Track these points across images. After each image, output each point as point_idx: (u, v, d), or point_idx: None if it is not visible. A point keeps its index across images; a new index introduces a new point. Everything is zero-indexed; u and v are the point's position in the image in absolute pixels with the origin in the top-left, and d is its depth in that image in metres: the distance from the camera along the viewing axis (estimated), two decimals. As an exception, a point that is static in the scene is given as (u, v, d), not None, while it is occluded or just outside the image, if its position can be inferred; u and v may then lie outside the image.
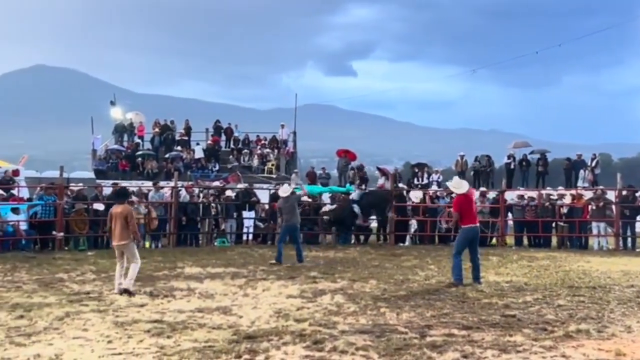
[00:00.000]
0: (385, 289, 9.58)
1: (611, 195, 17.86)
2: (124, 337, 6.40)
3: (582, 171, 22.85)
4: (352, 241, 18.57)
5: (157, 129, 27.86)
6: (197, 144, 27.61)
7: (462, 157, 25.33)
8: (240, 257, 14.10)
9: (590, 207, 17.80)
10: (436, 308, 8.03)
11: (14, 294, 8.92)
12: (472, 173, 24.74)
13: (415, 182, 23.29)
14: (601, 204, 17.65)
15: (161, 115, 30.47)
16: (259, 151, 27.52)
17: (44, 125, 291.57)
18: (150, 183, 20.18)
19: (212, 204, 18.35)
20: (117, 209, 9.38)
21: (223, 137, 28.75)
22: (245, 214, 18.71)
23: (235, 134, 28.85)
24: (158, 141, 27.57)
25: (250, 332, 6.65)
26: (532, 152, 25.53)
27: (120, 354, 5.82)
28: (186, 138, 28.07)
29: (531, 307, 8.09)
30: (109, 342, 6.24)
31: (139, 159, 26.15)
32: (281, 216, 14.19)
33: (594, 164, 22.93)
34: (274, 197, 17.83)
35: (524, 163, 24.05)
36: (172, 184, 18.49)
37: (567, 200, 18.29)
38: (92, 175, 24.68)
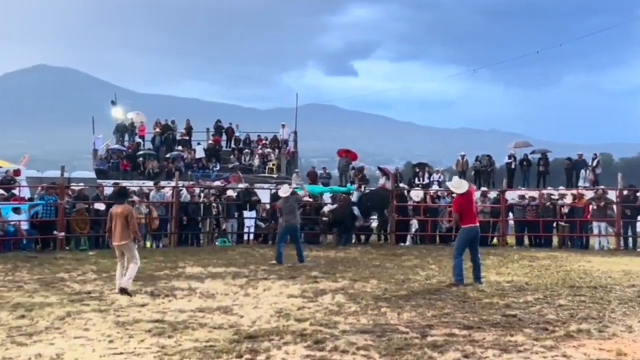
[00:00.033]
0: (386, 289, 9.57)
1: (612, 195, 17.83)
2: (125, 337, 6.41)
3: (583, 171, 22.80)
4: (354, 241, 18.56)
5: (158, 129, 27.87)
6: (199, 144, 27.60)
7: (463, 157, 25.35)
8: (241, 257, 14.10)
9: (591, 207, 17.79)
10: (437, 308, 8.03)
11: (16, 294, 8.92)
12: (473, 173, 24.76)
13: (417, 182, 23.29)
14: (602, 204, 17.63)
15: (162, 115, 30.44)
16: (260, 151, 27.50)
17: (46, 126, 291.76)
18: (151, 183, 20.17)
19: (214, 204, 18.34)
20: (117, 209, 9.38)
21: (224, 137, 28.72)
22: (246, 214, 18.70)
23: (237, 134, 28.84)
24: (159, 141, 27.58)
25: (251, 332, 6.66)
26: (533, 152, 25.51)
27: (121, 354, 5.83)
28: (187, 138, 28.06)
29: (532, 307, 8.08)
30: (111, 342, 6.25)
31: (140, 159, 26.13)
32: (281, 216, 14.19)
33: (595, 164, 22.91)
34: (275, 197, 17.82)
35: (525, 163, 24.02)
36: (173, 184, 18.48)
37: (568, 200, 18.27)
38: (93, 175, 24.71)
